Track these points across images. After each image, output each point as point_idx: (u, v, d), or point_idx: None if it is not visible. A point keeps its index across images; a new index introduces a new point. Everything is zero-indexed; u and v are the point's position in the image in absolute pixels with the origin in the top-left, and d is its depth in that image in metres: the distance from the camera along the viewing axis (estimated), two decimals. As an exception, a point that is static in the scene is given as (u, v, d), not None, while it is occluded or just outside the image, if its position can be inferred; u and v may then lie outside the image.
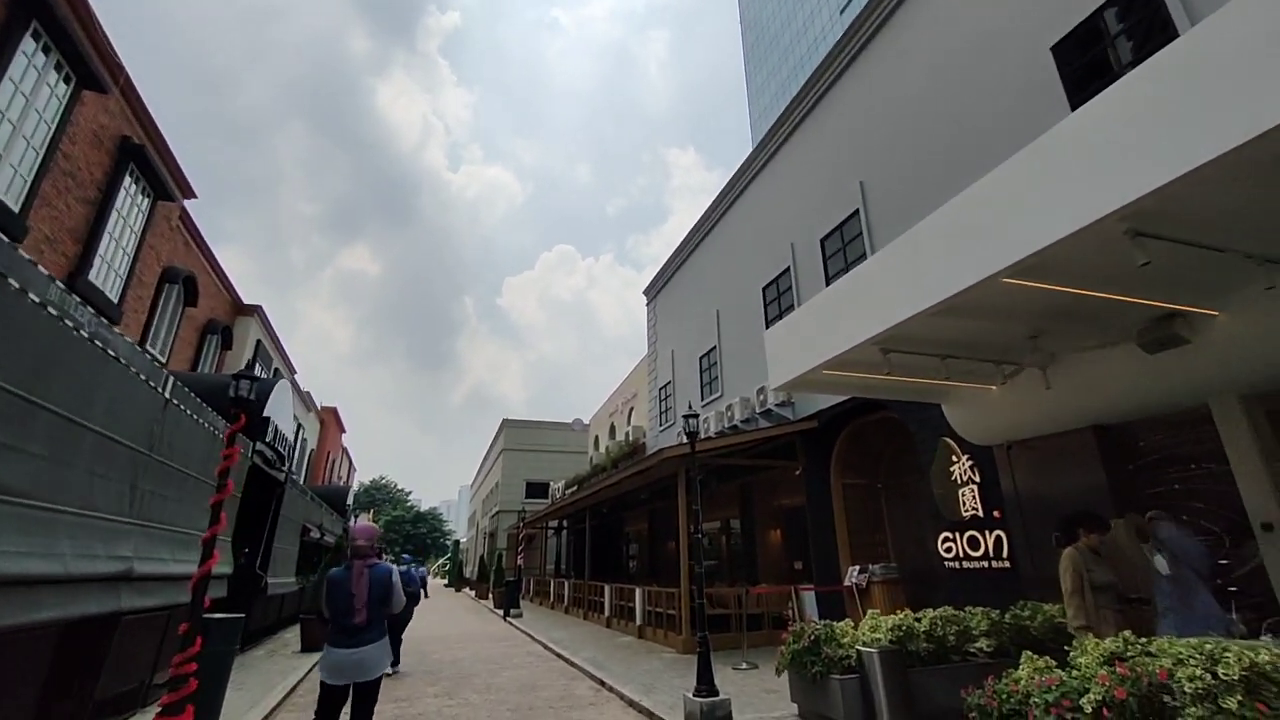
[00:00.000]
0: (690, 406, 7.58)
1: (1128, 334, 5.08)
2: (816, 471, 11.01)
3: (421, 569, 6.68)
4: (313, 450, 30.86)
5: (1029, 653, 3.57)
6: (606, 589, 13.49)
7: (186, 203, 11.92)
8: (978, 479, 7.41)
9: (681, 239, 18.87)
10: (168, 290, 11.96)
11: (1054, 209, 3.60)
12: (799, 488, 12.22)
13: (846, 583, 9.68)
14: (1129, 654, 3.05)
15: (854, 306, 5.31)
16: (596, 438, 30.21)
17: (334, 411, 33.48)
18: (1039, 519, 6.62)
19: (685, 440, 7.90)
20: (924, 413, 8.43)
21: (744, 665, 7.85)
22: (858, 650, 5.01)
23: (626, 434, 22.75)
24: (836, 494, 10.70)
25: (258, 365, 17.41)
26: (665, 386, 18.96)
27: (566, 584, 17.74)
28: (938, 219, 4.56)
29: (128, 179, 9.44)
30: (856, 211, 10.48)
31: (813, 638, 5.16)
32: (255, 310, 16.77)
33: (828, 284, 11.10)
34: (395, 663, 7.81)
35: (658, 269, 20.72)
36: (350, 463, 46.86)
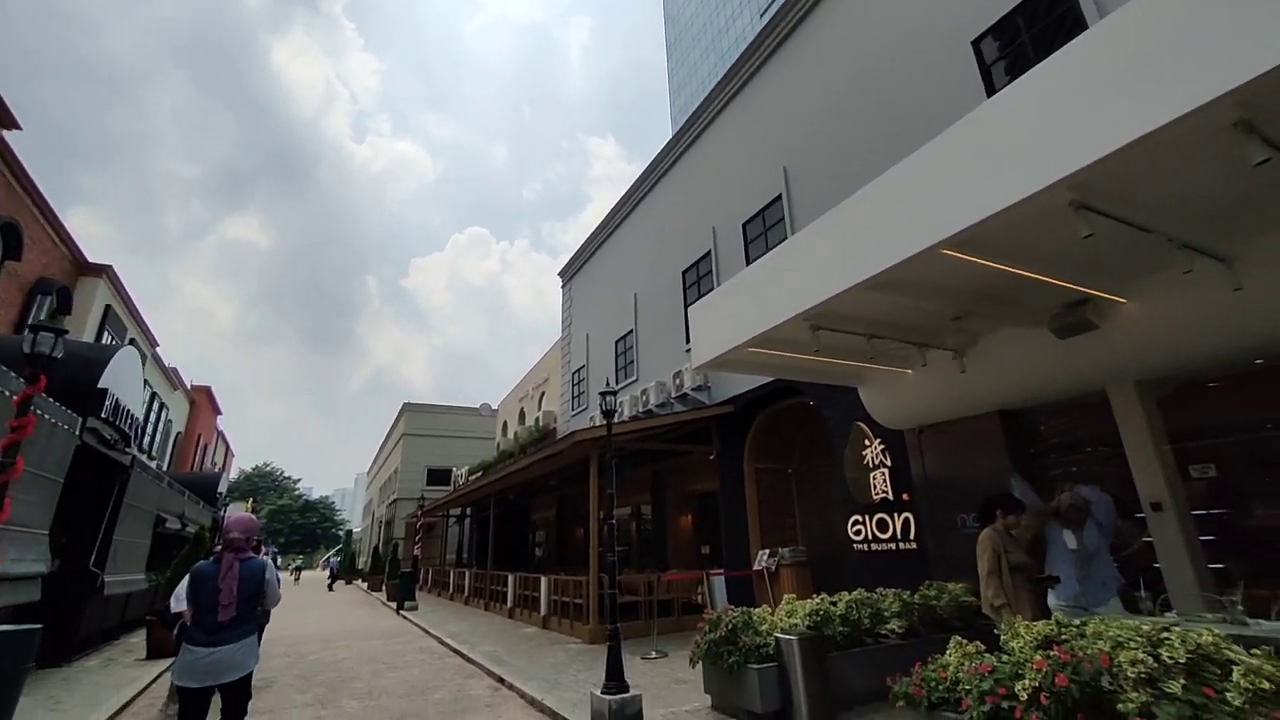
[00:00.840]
0: (607, 385, 7.11)
1: (1041, 319, 5.16)
2: (731, 456, 10.93)
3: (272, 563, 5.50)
4: (180, 433, 27.53)
5: (958, 638, 3.42)
6: (510, 578, 12.83)
7: (11, 139, 9.87)
8: (889, 463, 7.50)
9: (600, 221, 18.32)
10: (-22, 234, 9.87)
11: (1002, 177, 3.43)
12: (712, 473, 12.13)
13: (756, 567, 9.64)
14: (1064, 636, 2.93)
15: (784, 281, 5.04)
16: (505, 423, 29.12)
17: (206, 391, 30.03)
18: (946, 501, 6.76)
19: (601, 422, 7.43)
20: (839, 398, 8.47)
21: (653, 654, 7.55)
22: (776, 638, 4.78)
23: (537, 419, 21.98)
24: (750, 479, 10.67)
25: (106, 333, 15.02)
26: (579, 370, 18.39)
27: (467, 574, 16.83)
28: (876, 191, 4.34)
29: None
30: (780, 196, 10.40)
31: (729, 626, 4.87)
32: (103, 271, 14.39)
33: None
34: None
35: (574, 250, 20.06)
36: (228, 448, 42.51)
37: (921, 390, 6.53)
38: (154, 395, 21.18)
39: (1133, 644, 2.61)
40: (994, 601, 4.19)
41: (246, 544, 3.84)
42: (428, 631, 11.14)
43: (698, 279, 12.66)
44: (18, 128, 9.60)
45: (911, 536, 7.12)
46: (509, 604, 12.61)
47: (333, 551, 59.99)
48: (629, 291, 15.68)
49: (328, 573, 39.22)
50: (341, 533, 62.44)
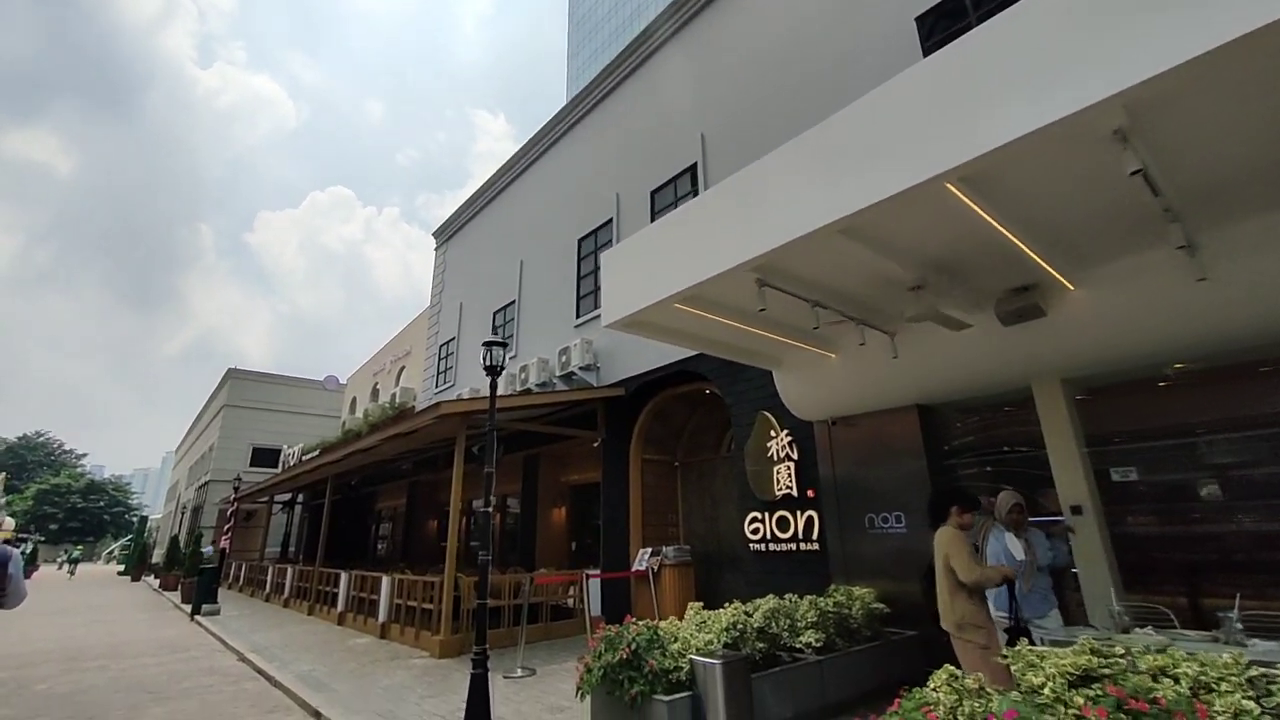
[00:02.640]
0: (488, 358, 5.77)
1: (986, 302, 4.75)
2: (617, 445, 9.95)
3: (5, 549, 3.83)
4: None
5: (950, 669, 2.65)
6: (343, 577, 10.80)
7: None
8: (795, 456, 6.94)
9: (485, 180, 16.54)
10: None
11: (1038, 96, 2.75)
12: (590, 463, 11.09)
13: (638, 567, 8.76)
14: (1106, 669, 2.23)
15: (733, 222, 4.13)
16: (354, 400, 25.89)
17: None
18: (854, 500, 6.29)
19: (484, 380, 6.08)
20: (743, 384, 7.82)
21: (519, 671, 6.32)
22: (691, 660, 3.82)
23: (394, 395, 19.52)
24: (635, 470, 9.77)
25: None
26: (448, 343, 16.47)
27: (290, 571, 14.23)
28: (870, 108, 3.55)
29: None
30: (695, 165, 9.62)
31: (632, 646, 3.83)
32: None
33: (652, 241, 10.10)
34: None
35: (453, 210, 18.01)
36: (-25, 408, 33.80)
37: (845, 376, 5.99)
38: None
39: (1224, 685, 1.95)
40: (967, 619, 3.53)
41: None
42: (225, 643, 8.91)
43: (595, 247, 11.55)
44: None
45: (814, 536, 6.58)
46: (339, 608, 10.60)
47: (121, 542, 50.47)
48: (514, 259, 14.18)
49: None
50: (136, 520, 52.77)
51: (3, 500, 28.56)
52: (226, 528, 15.61)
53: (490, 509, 5.26)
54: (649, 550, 8.87)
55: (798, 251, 3.80)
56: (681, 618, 8.45)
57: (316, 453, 14.08)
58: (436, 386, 16.34)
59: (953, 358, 5.19)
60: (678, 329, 5.48)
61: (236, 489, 16.18)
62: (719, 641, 4.07)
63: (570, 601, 9.19)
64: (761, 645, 4.32)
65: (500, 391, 11.48)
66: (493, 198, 16.28)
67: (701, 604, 4.86)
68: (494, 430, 5.39)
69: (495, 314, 14.45)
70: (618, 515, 9.59)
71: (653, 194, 10.42)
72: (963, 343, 5.05)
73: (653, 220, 10.18)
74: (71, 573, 37.36)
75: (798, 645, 4.62)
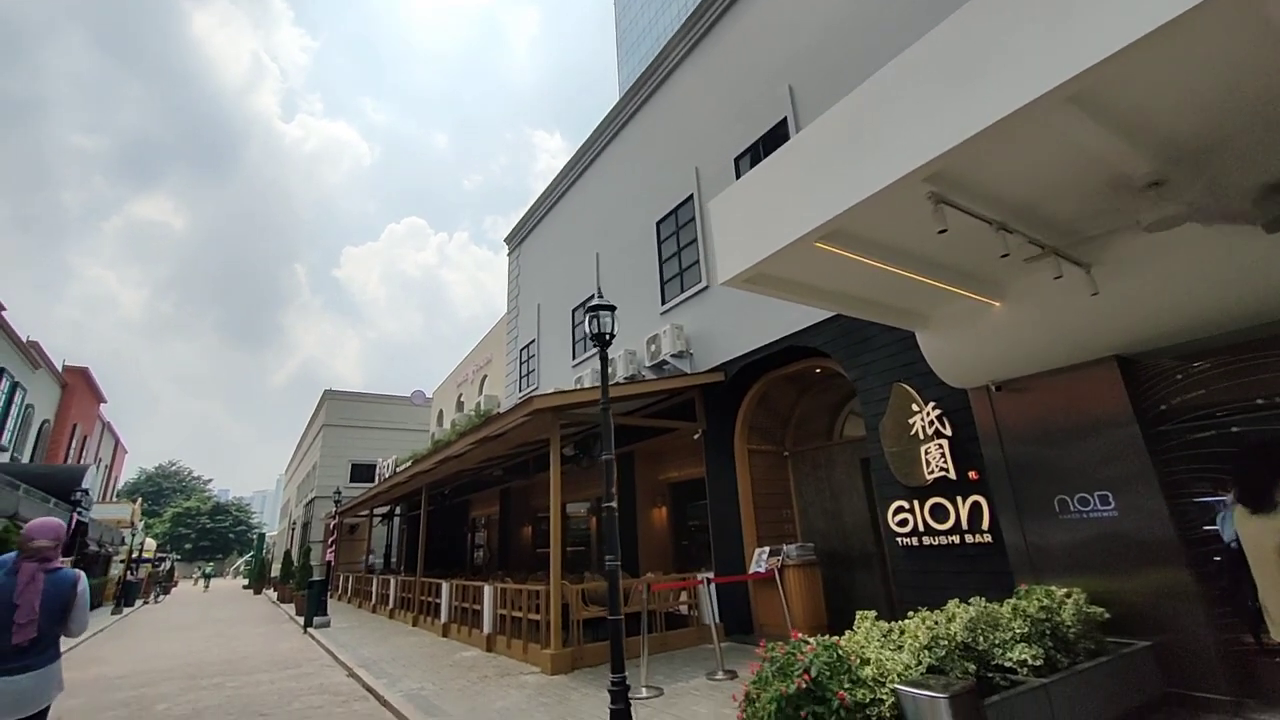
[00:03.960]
0: (595, 325, 5.12)
1: (1242, 203, 3.56)
2: (719, 436, 9.09)
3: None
4: (48, 421, 23.37)
5: None
6: (445, 587, 10.53)
7: None
8: (947, 432, 5.83)
9: (552, 178, 16.16)
10: None
11: None
12: (689, 457, 10.29)
13: (756, 568, 7.84)
14: None
15: (906, 115, 3.18)
16: (440, 412, 26.40)
17: (83, 374, 25.72)
18: (1035, 480, 5.11)
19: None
20: (870, 354, 6.76)
21: (644, 691, 5.58)
22: (897, 692, 2.91)
23: (478, 404, 19.53)
24: (742, 462, 8.87)
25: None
26: (528, 346, 16.18)
27: (393, 582, 14.29)
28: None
29: None
30: (784, 120, 8.64)
31: (811, 673, 2.97)
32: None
33: (742, 211, 9.20)
34: None
35: (522, 215, 17.78)
36: (117, 442, 37.39)
37: (1015, 327, 4.88)
38: (2, 371, 17.41)
39: None
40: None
41: (53, 552, 3.29)
42: (335, 657, 8.75)
43: (676, 229, 10.78)
44: None
45: (985, 526, 5.45)
46: (443, 618, 10.31)
47: (245, 558, 54.72)
48: (589, 252, 13.64)
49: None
50: (256, 537, 57.00)
51: (141, 524, 31.24)
52: (331, 541, 15.97)
53: (614, 504, 4.58)
54: (766, 550, 7.95)
55: (999, 139, 2.84)
56: (810, 625, 7.48)
57: (409, 464, 14.08)
58: (520, 391, 16.07)
59: (1189, 285, 4.01)
60: (808, 282, 4.57)
61: (337, 503, 16.55)
62: (919, 662, 3.14)
63: (683, 608, 8.39)
64: (969, 666, 3.34)
65: (586, 384, 11.01)
66: (561, 195, 15.88)
67: (862, 613, 3.92)
68: (608, 409, 4.71)
69: (574, 311, 13.96)
70: (727, 513, 8.72)
71: (737, 160, 9.51)
72: (1203, 263, 3.87)
73: (741, 187, 9.31)
74: (206, 587, 40.81)
75: (1008, 663, 3.59)
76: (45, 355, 21.25)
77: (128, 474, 55.83)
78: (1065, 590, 4.49)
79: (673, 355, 9.71)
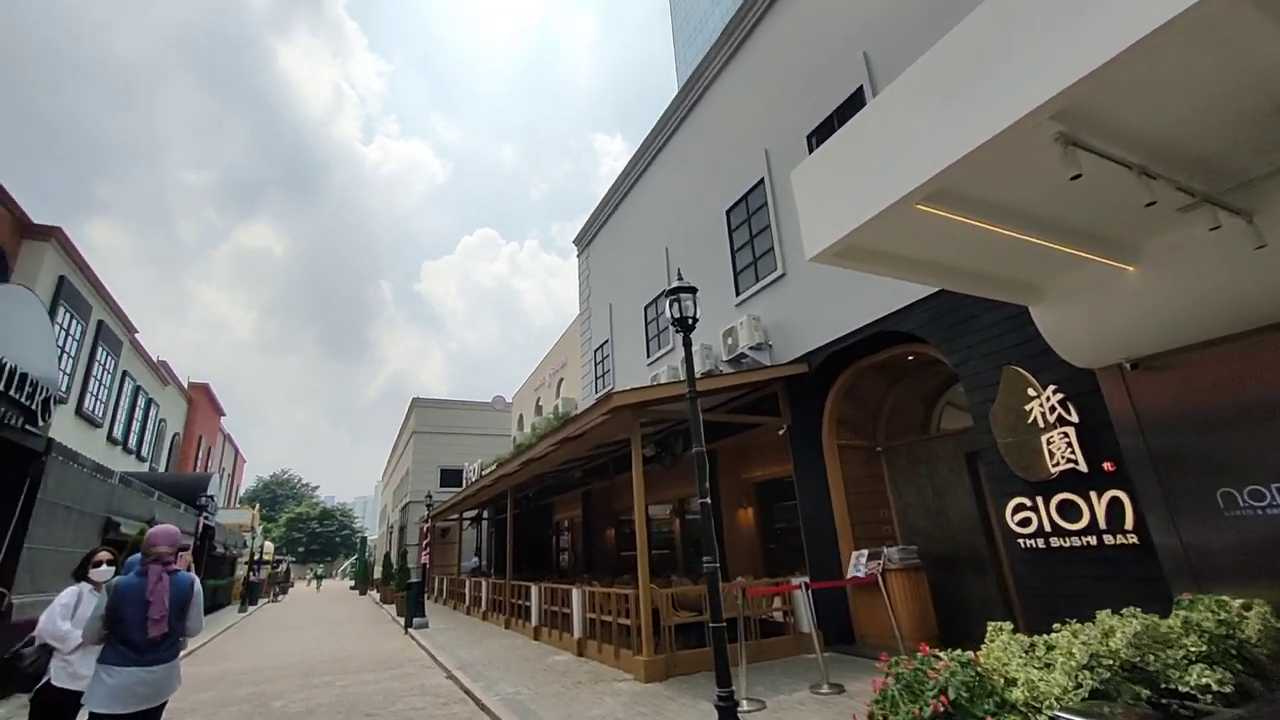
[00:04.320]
0: (677, 309, 4.89)
1: None
2: (805, 431, 8.63)
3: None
4: (178, 434, 25.87)
5: None
6: (534, 590, 10.64)
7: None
8: (1073, 418, 5.16)
9: (616, 177, 16.09)
10: None
11: None
12: (774, 454, 9.86)
13: (854, 573, 7.35)
14: None
15: (1031, 41, 2.74)
16: (520, 417, 27.04)
17: (205, 390, 28.35)
18: (1190, 471, 4.41)
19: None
20: (974, 335, 6.15)
21: (745, 704, 5.28)
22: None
23: (555, 407, 19.80)
24: (832, 459, 8.37)
25: (62, 309, 13.10)
26: (602, 346, 16.19)
27: (484, 584, 14.68)
28: None
29: None
30: (859, 89, 8.09)
31: (949, 695, 2.59)
32: (52, 234, 12.46)
33: (819, 192, 8.69)
34: None
35: (589, 216, 17.84)
36: (236, 452, 41.02)
37: (1155, 293, 4.21)
38: (139, 389, 19.38)
39: None
40: None
41: (172, 556, 3.64)
42: (434, 658, 9.00)
43: (748, 215, 10.38)
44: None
45: (1128, 525, 4.77)
46: (534, 622, 10.41)
47: (350, 560, 58.74)
48: (658, 247, 13.45)
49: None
50: (359, 540, 60.93)
51: (260, 528, 34.07)
52: (425, 544, 16.65)
53: (708, 500, 4.34)
54: (865, 553, 7.43)
55: (1151, 58, 2.37)
56: (919, 635, 6.90)
57: (493, 467, 14.43)
58: (596, 391, 16.11)
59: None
60: (905, 254, 4.13)
61: (429, 506, 17.22)
62: (1077, 685, 2.68)
63: (777, 615, 8.01)
64: (1140, 690, 2.84)
65: (663, 379, 10.79)
66: (626, 192, 15.79)
67: (995, 624, 3.46)
68: (695, 398, 4.49)
69: (646, 308, 13.81)
70: (819, 513, 8.25)
71: (809, 138, 9.01)
72: None
73: (817, 167, 8.80)
74: (318, 588, 44.13)
75: (1186, 688, 3.04)
76: (173, 373, 23.53)
77: (246, 482, 61.13)
78: (1242, 602, 3.81)
79: (751, 348, 9.33)
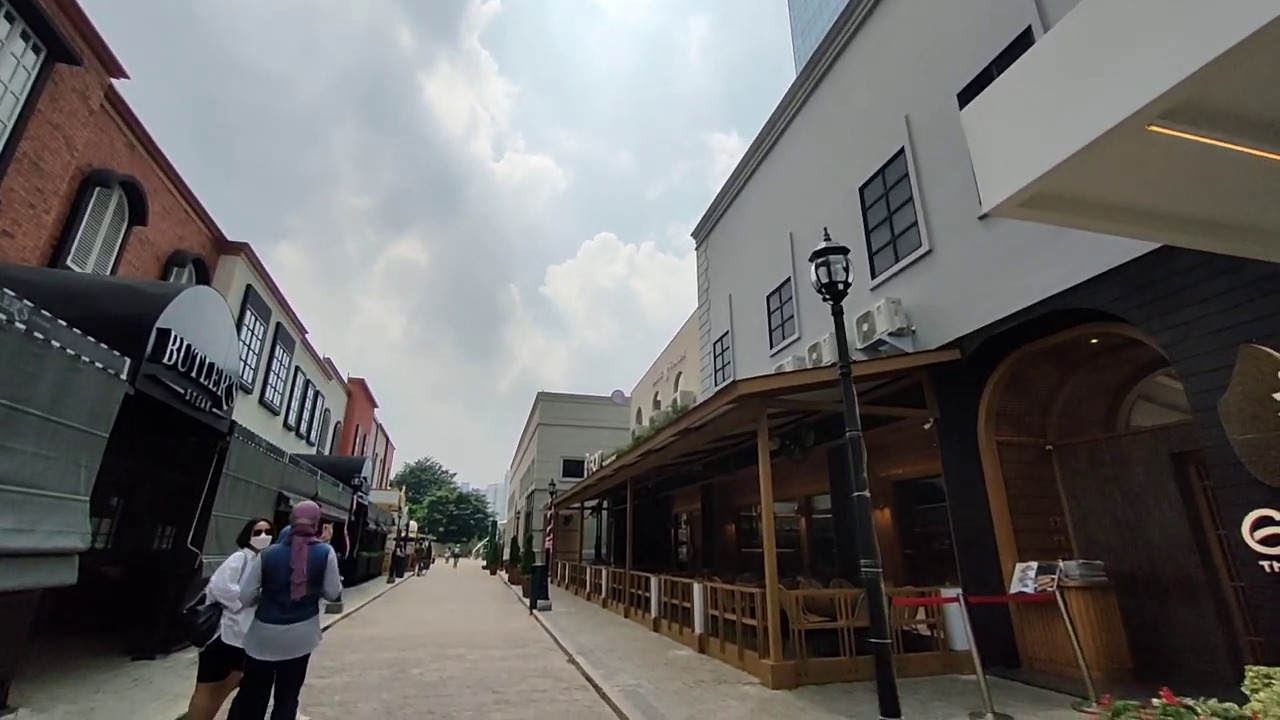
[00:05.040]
0: (825, 273, 4.41)
1: None
2: (957, 426, 7.65)
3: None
4: (339, 422, 29.05)
5: None
6: (653, 582, 10.49)
7: (227, 174, 9.39)
8: (1349, 409, 3.98)
9: (735, 165, 15.50)
10: (98, 196, 9.46)
11: None
12: (915, 451, 8.90)
13: (1020, 587, 6.34)
14: None
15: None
16: (639, 410, 27.27)
17: (362, 384, 31.57)
18: None
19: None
20: (1192, 309, 4.99)
21: (891, 727, 4.66)
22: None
23: (674, 400, 19.65)
24: (989, 457, 7.32)
25: (249, 313, 15.06)
26: (721, 339, 15.73)
27: (605, 572, 14.86)
28: None
29: (-12, 5, 6.81)
30: (1028, 30, 6.97)
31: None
32: (241, 249, 14.33)
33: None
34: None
35: (708, 206, 17.40)
36: (388, 440, 45.46)
37: None
38: (308, 383, 21.92)
39: None
40: None
41: (312, 529, 4.06)
42: (557, 641, 9.12)
43: (885, 191, 9.44)
44: (125, 76, 9.00)
45: None
46: (653, 613, 10.26)
47: (482, 541, 63.25)
48: (782, 234, 12.74)
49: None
50: (490, 524, 65.31)
51: (406, 509, 37.48)
52: (549, 530, 17.19)
53: (865, 492, 3.85)
54: (1034, 566, 6.38)
55: None
56: (1107, 667, 5.80)
57: (614, 458, 14.54)
58: (715, 384, 15.70)
59: None
60: (1116, 200, 3.31)
61: (553, 494, 17.75)
62: None
63: (922, 628, 7.16)
64: None
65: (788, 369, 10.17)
66: (746, 180, 15.18)
67: (1257, 669, 2.62)
68: (849, 373, 4.03)
69: (769, 298, 13.16)
70: (974, 518, 7.26)
71: (961, 95, 7.96)
72: None
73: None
74: (455, 564, 47.97)
75: None
76: (336, 369, 26.43)
77: (396, 467, 67.76)
78: None
79: (890, 334, 8.45)
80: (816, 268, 4.39)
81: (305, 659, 4.01)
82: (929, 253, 8.32)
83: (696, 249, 18.64)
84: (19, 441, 4.30)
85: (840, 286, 4.32)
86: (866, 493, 4.03)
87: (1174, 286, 5.06)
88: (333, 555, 4.08)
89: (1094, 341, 6.84)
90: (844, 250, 4.44)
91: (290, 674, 3.93)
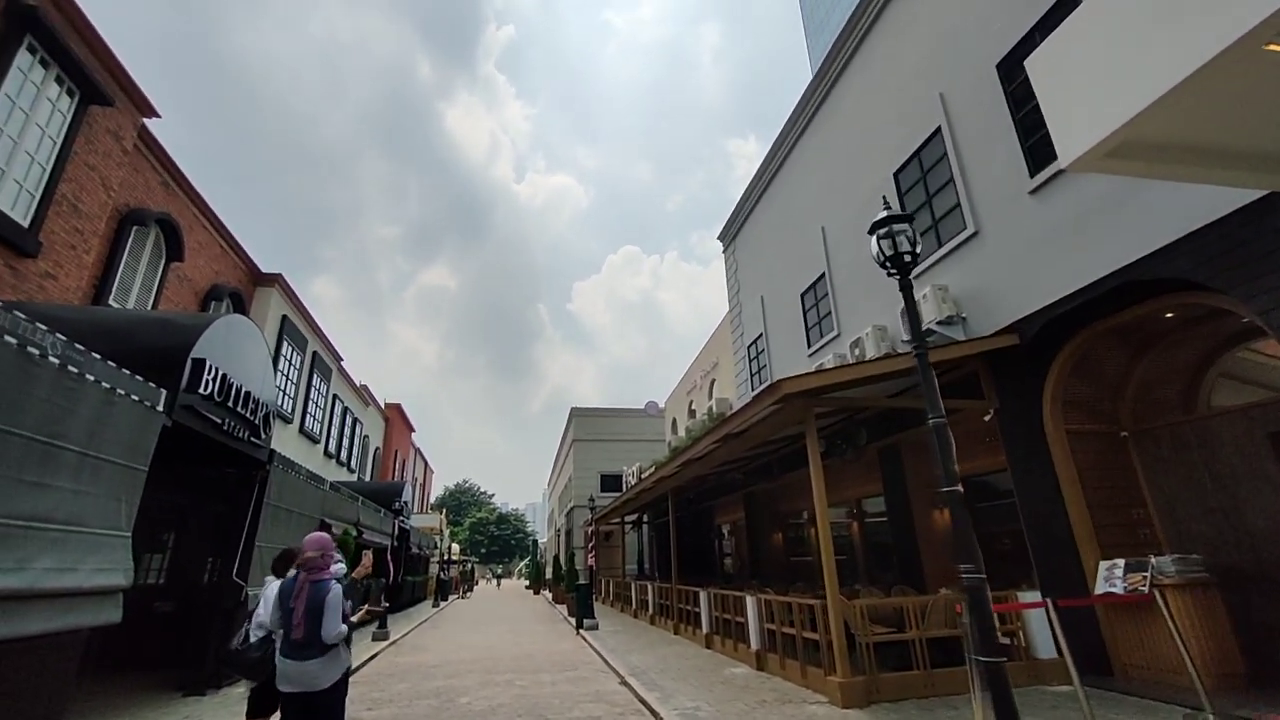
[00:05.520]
0: (889, 244, 4.09)
1: None
2: (1020, 416, 7.14)
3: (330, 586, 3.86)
4: (378, 448, 29.39)
5: None
6: (703, 596, 10.10)
7: (263, 212, 9.63)
8: None
9: (759, 165, 15.19)
10: (135, 234, 9.67)
11: None
12: (974, 445, 8.38)
13: (1107, 588, 5.79)
14: None
15: None
16: (674, 421, 26.89)
17: (398, 409, 31.97)
18: None
19: (892, 274, 4.43)
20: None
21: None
22: None
23: (709, 409, 19.28)
24: (1059, 448, 6.79)
25: (285, 344, 15.29)
26: (755, 341, 15.34)
27: (650, 588, 14.48)
28: None
29: (25, 54, 7.00)
30: (1072, -9, 6.54)
31: None
32: (275, 280, 14.59)
33: (1019, 128, 7.22)
34: None
35: (733, 208, 17.10)
36: (426, 464, 45.93)
37: None
38: (346, 410, 22.20)
39: None
40: None
41: (320, 562, 3.76)
42: (608, 663, 8.80)
43: (922, 174, 9.02)
44: (156, 115, 9.22)
45: None
46: (704, 629, 9.87)
47: (524, 562, 63.32)
48: (812, 228, 12.35)
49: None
50: (531, 543, 65.31)
51: (448, 531, 37.68)
52: (590, 547, 16.93)
53: (958, 487, 3.52)
54: (1120, 564, 5.83)
55: None
56: (1213, 670, 5.22)
57: (652, 469, 14.23)
58: (751, 389, 15.29)
59: None
60: (1218, 141, 2.94)
61: (592, 510, 17.49)
62: None
63: (1010, 637, 6.63)
64: None
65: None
66: (772, 178, 14.85)
67: None
68: (924, 351, 3.77)
69: (803, 295, 12.76)
70: (1047, 515, 6.73)
71: (1000, 66, 7.54)
72: None
73: (1009, 100, 7.35)
74: (498, 585, 47.98)
75: None
76: (373, 395, 26.79)
77: (435, 490, 68.49)
78: None
79: (938, 323, 8.00)
80: (879, 239, 4.05)
81: (334, 693, 3.74)
82: (975, 234, 7.87)
83: (724, 251, 18.34)
84: (57, 478, 4.24)
85: (907, 258, 3.97)
86: (959, 486, 3.66)
87: (1271, 245, 4.56)
88: (334, 594, 3.72)
89: (1169, 316, 6.31)
90: (908, 217, 4.08)
91: (316, 707, 3.68)
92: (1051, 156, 6.76)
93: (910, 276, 4.02)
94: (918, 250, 4.05)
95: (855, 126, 11.16)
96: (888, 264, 3.97)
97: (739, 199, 16.77)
